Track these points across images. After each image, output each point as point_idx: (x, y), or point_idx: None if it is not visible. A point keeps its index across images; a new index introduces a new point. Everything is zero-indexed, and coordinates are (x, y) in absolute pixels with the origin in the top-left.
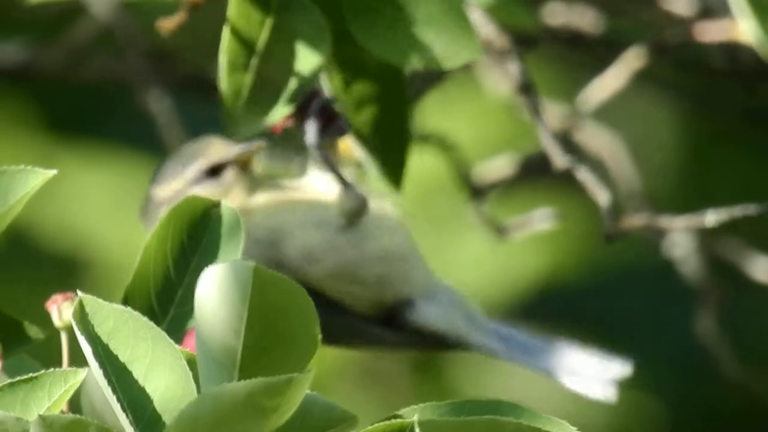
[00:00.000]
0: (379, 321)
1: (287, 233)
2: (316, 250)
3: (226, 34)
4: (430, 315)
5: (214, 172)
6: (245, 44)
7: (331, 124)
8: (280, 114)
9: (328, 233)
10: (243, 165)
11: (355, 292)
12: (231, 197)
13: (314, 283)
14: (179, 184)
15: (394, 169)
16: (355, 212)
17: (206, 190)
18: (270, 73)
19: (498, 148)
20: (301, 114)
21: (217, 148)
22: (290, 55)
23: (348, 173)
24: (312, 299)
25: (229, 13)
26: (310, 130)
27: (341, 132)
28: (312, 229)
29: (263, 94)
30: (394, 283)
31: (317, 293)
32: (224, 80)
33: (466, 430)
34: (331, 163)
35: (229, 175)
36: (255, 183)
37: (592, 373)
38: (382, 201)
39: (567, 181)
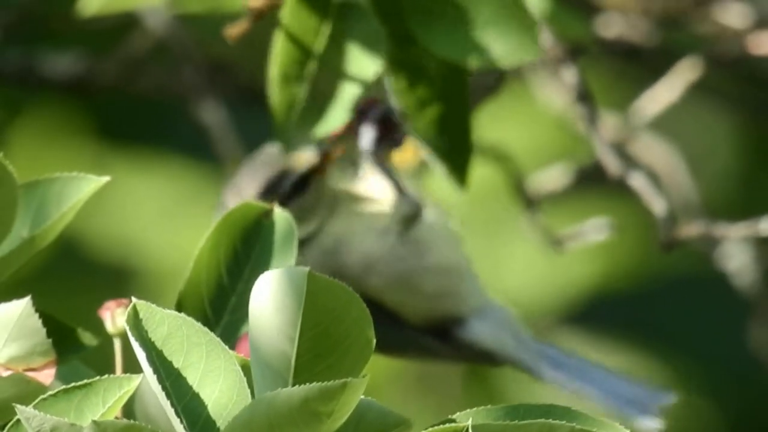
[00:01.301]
0: (431, 333)
1: (350, 241)
2: (376, 259)
3: (278, 43)
4: (480, 332)
5: (303, 183)
6: (300, 53)
7: (390, 134)
8: (333, 124)
9: (389, 242)
10: (322, 170)
11: (412, 304)
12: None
13: (372, 293)
14: (265, 190)
15: (458, 168)
16: (409, 218)
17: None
18: (324, 82)
19: (552, 159)
20: (359, 120)
21: (297, 157)
22: (346, 63)
23: (403, 179)
24: (368, 308)
25: (283, 20)
26: (366, 136)
27: (398, 143)
28: (374, 238)
29: (316, 105)
30: (449, 298)
31: (374, 303)
32: (275, 93)
33: None
34: (386, 169)
35: (314, 188)
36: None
37: (636, 402)
38: (441, 215)
39: (621, 190)
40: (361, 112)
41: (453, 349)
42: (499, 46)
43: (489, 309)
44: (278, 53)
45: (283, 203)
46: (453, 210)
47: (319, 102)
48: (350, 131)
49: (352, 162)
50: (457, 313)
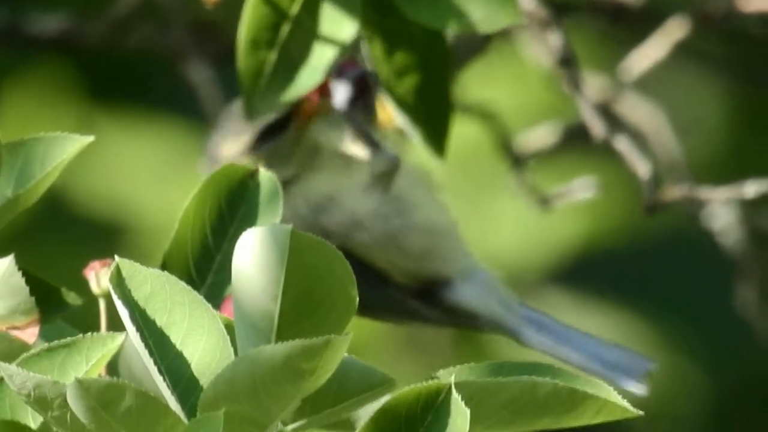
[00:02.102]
0: (416, 295)
1: (334, 198)
2: (362, 217)
3: (249, 6)
4: (466, 294)
5: (280, 126)
6: (274, 15)
7: (365, 96)
8: (303, 88)
9: (375, 200)
10: (306, 120)
11: (399, 263)
12: (294, 154)
13: (358, 252)
14: (245, 139)
15: (437, 136)
16: (385, 174)
17: (273, 146)
18: (296, 47)
19: (539, 118)
20: (334, 80)
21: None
22: (321, 27)
23: (381, 137)
24: (353, 268)
25: None
26: (342, 93)
27: (371, 106)
28: (359, 195)
29: (286, 70)
30: (435, 257)
31: (361, 263)
32: (243, 57)
33: (503, 391)
34: (360, 127)
35: (293, 129)
36: (316, 143)
37: (621, 367)
38: (424, 178)
39: (607, 150)
40: (337, 73)
41: (439, 311)
42: (479, 11)
43: (475, 272)
44: (248, 16)
45: (258, 145)
46: (437, 170)
47: (289, 67)
48: (325, 92)
49: (332, 122)
50: (444, 275)
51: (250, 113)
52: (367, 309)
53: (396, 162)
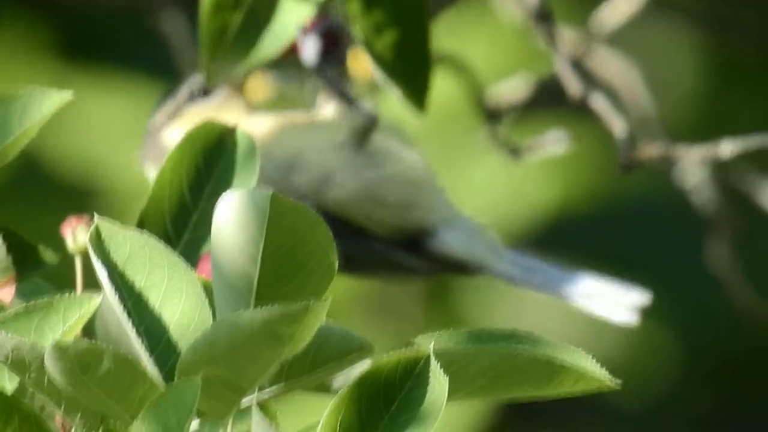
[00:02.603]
0: (401, 246)
1: (304, 157)
2: (335, 173)
3: None
4: (451, 242)
5: (207, 93)
6: None
7: (336, 48)
8: (267, 52)
9: (346, 155)
10: (236, 87)
11: (377, 216)
12: (225, 115)
13: (335, 208)
14: (171, 106)
15: (417, 92)
16: (364, 129)
17: (198, 108)
18: (263, 8)
19: (512, 71)
20: (303, 34)
21: None
22: None
23: (355, 92)
24: (333, 226)
25: None
26: (310, 48)
27: (344, 58)
28: (330, 152)
29: (251, 33)
30: (415, 208)
31: (338, 219)
32: (205, 21)
33: (481, 358)
34: (332, 80)
35: (221, 94)
36: (252, 105)
37: (612, 299)
38: (397, 129)
39: (582, 108)
40: (306, 27)
41: (424, 261)
42: None
43: (458, 220)
44: None
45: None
46: (410, 128)
47: (254, 30)
48: (294, 50)
49: (298, 78)
50: (426, 225)
51: (209, 78)
52: (351, 265)
53: (373, 118)
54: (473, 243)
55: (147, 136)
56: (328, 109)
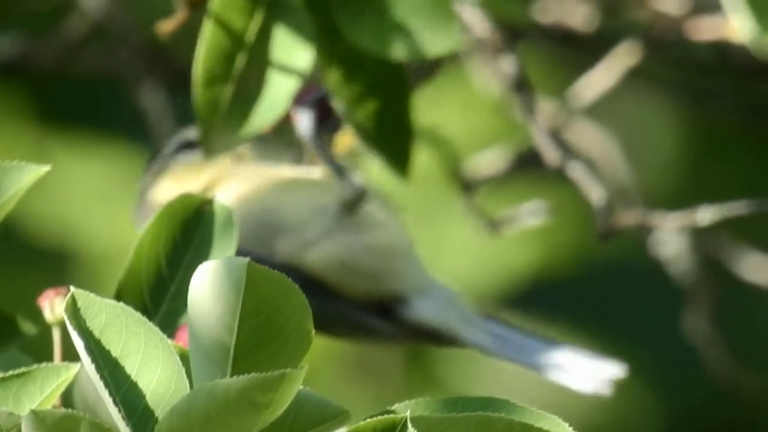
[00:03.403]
0: (373, 312)
1: (283, 215)
2: (313, 236)
3: (204, 39)
4: (423, 311)
5: (194, 146)
6: (229, 46)
7: (327, 118)
8: (260, 124)
9: (326, 220)
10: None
11: (350, 283)
12: (212, 168)
13: (309, 270)
14: (159, 162)
15: (400, 160)
16: (354, 202)
17: (184, 162)
18: (252, 81)
19: (489, 143)
20: (296, 105)
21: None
22: (277, 57)
23: (346, 164)
24: (305, 285)
25: (211, 11)
26: (305, 120)
27: (336, 127)
28: (309, 214)
29: (243, 105)
30: (389, 277)
31: (314, 281)
32: (200, 93)
33: (458, 426)
34: (326, 153)
35: None
36: (240, 157)
37: (585, 371)
38: (379, 196)
39: (559, 177)
40: (297, 98)
41: (396, 328)
42: (423, 36)
43: (432, 288)
44: (204, 49)
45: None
46: (391, 196)
47: (246, 101)
48: (287, 119)
49: (289, 150)
50: (399, 292)
51: (208, 150)
52: (324, 326)
53: (363, 191)
54: (445, 312)
55: (137, 197)
56: (315, 171)
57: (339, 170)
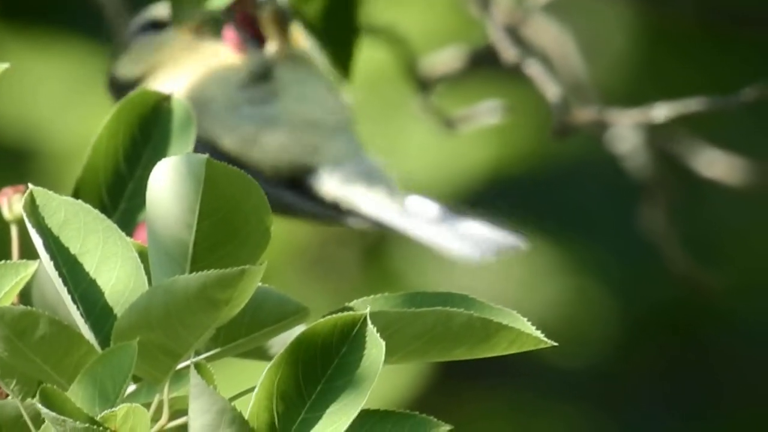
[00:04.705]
0: (285, 186)
1: (202, 92)
2: (218, 109)
3: None
4: (328, 182)
5: (158, 26)
6: None
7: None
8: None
9: (230, 91)
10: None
11: (256, 156)
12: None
13: (220, 146)
14: (123, 45)
15: (343, 59)
16: (256, 74)
17: (147, 38)
18: None
19: (446, 41)
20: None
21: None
22: None
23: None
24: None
25: None
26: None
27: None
28: (218, 88)
29: None
30: (296, 149)
31: (226, 155)
32: None
33: (417, 321)
34: (241, 27)
35: (170, 30)
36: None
37: (482, 240)
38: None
39: (515, 74)
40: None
41: (309, 202)
42: None
43: (350, 162)
44: None
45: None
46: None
47: None
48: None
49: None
50: (310, 165)
51: (178, 18)
52: None
53: (269, 65)
54: (354, 183)
55: (109, 84)
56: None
57: (251, 43)
